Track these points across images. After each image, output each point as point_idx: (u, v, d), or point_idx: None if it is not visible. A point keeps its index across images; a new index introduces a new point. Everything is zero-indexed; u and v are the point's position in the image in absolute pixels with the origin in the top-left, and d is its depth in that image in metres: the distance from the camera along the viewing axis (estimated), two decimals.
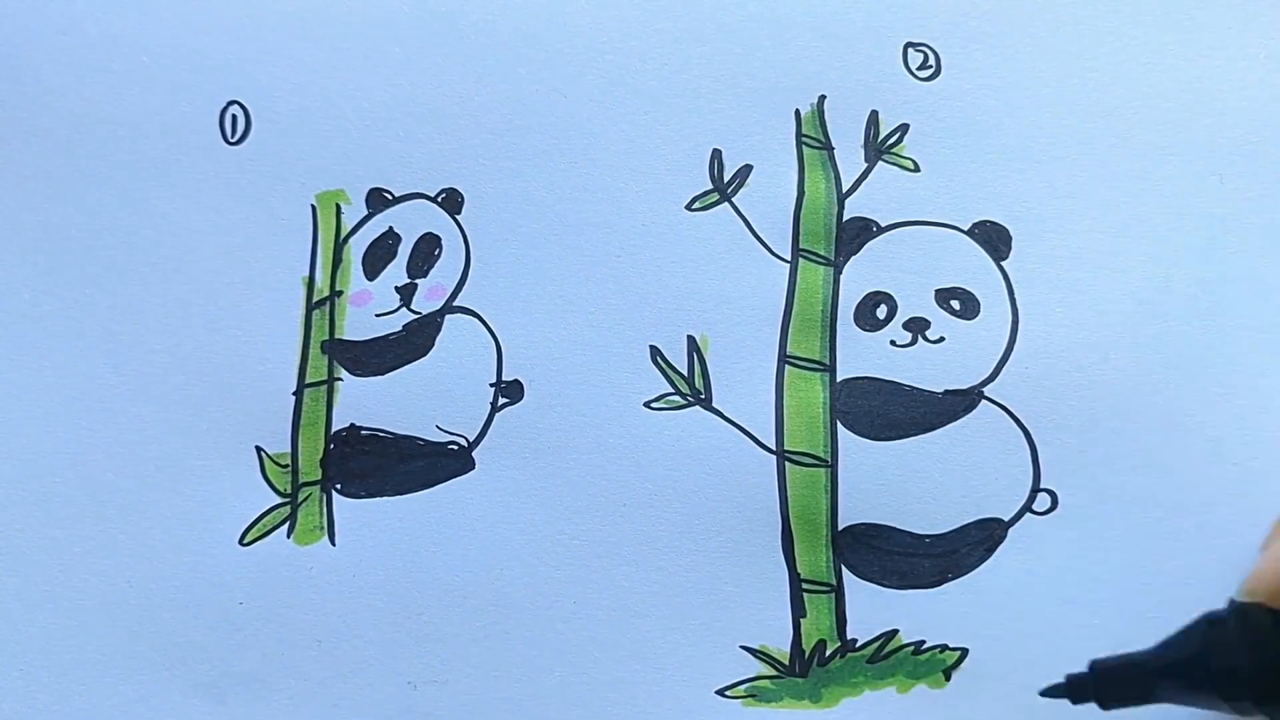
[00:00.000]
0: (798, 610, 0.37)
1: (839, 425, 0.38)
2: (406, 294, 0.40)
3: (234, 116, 0.41)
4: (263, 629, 0.37)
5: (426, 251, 0.40)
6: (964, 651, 0.36)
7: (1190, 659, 0.30)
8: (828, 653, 0.36)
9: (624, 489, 0.38)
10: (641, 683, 0.36)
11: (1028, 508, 0.37)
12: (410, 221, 0.40)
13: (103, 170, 0.41)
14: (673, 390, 0.38)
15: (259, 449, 0.39)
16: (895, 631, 0.36)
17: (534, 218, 0.40)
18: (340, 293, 0.40)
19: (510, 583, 0.37)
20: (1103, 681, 0.31)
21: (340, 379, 0.39)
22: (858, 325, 0.39)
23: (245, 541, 0.38)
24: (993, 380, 0.38)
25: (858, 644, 0.36)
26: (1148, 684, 0.31)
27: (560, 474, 0.38)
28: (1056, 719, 0.35)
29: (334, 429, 0.39)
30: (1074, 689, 0.31)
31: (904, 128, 0.40)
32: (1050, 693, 0.32)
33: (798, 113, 0.41)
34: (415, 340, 0.40)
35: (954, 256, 0.39)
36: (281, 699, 0.37)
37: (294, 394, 0.39)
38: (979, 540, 0.37)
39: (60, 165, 0.41)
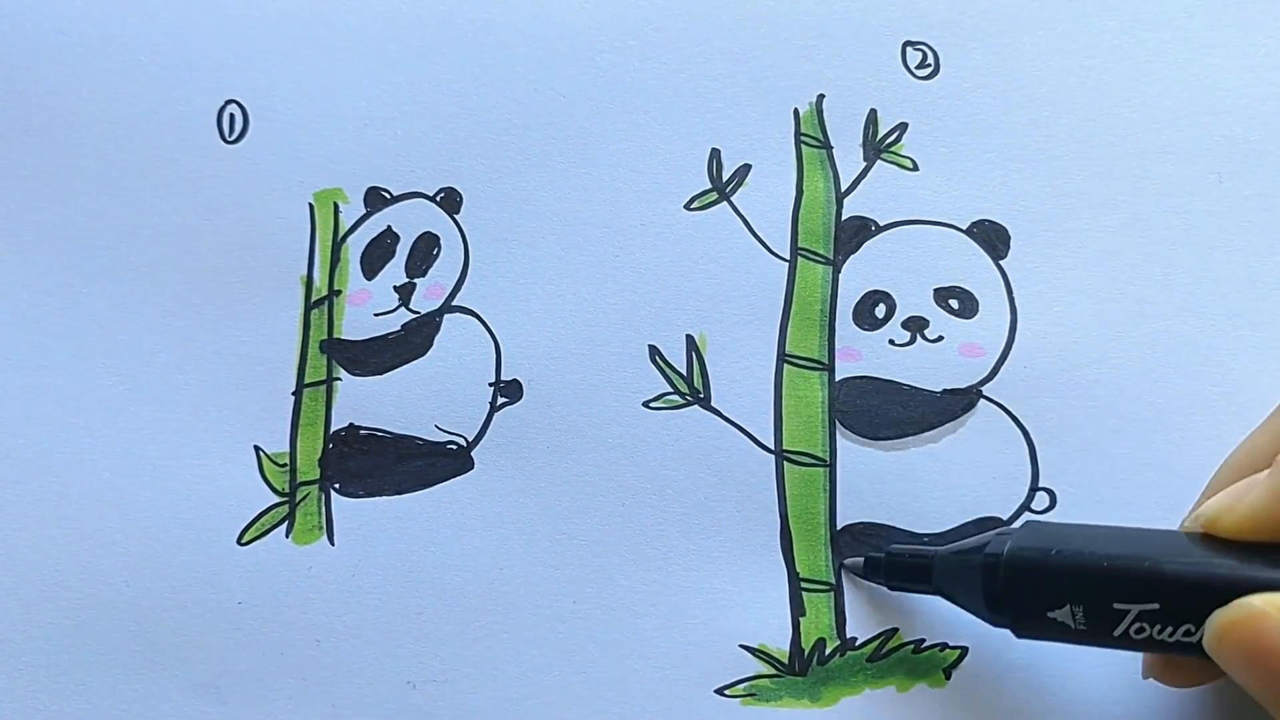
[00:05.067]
0: (797, 609, 0.37)
1: (838, 424, 0.38)
2: (405, 293, 0.40)
3: (232, 115, 0.41)
4: (261, 629, 0.37)
5: (425, 251, 0.40)
6: (964, 650, 0.36)
7: (966, 574, 0.32)
8: (827, 651, 0.36)
9: (623, 489, 0.38)
10: (641, 682, 0.36)
11: (1026, 507, 0.37)
12: (409, 221, 0.40)
13: (101, 170, 0.41)
14: (671, 389, 0.38)
15: (257, 448, 0.39)
16: (895, 630, 0.36)
17: (533, 217, 0.40)
18: (339, 292, 0.40)
19: (510, 582, 0.37)
20: (892, 564, 0.35)
21: (339, 378, 0.39)
22: (856, 324, 0.39)
23: (244, 541, 0.38)
24: (991, 379, 0.38)
25: (857, 643, 0.36)
26: (926, 577, 0.34)
27: (559, 473, 0.38)
28: (1058, 718, 0.35)
29: (333, 428, 0.39)
30: (869, 567, 0.36)
31: (903, 126, 0.40)
32: (849, 568, 0.36)
33: (796, 112, 0.41)
34: (414, 340, 0.40)
35: (953, 255, 0.39)
36: (280, 699, 0.36)
37: (293, 394, 0.39)
38: None
39: (59, 165, 0.41)
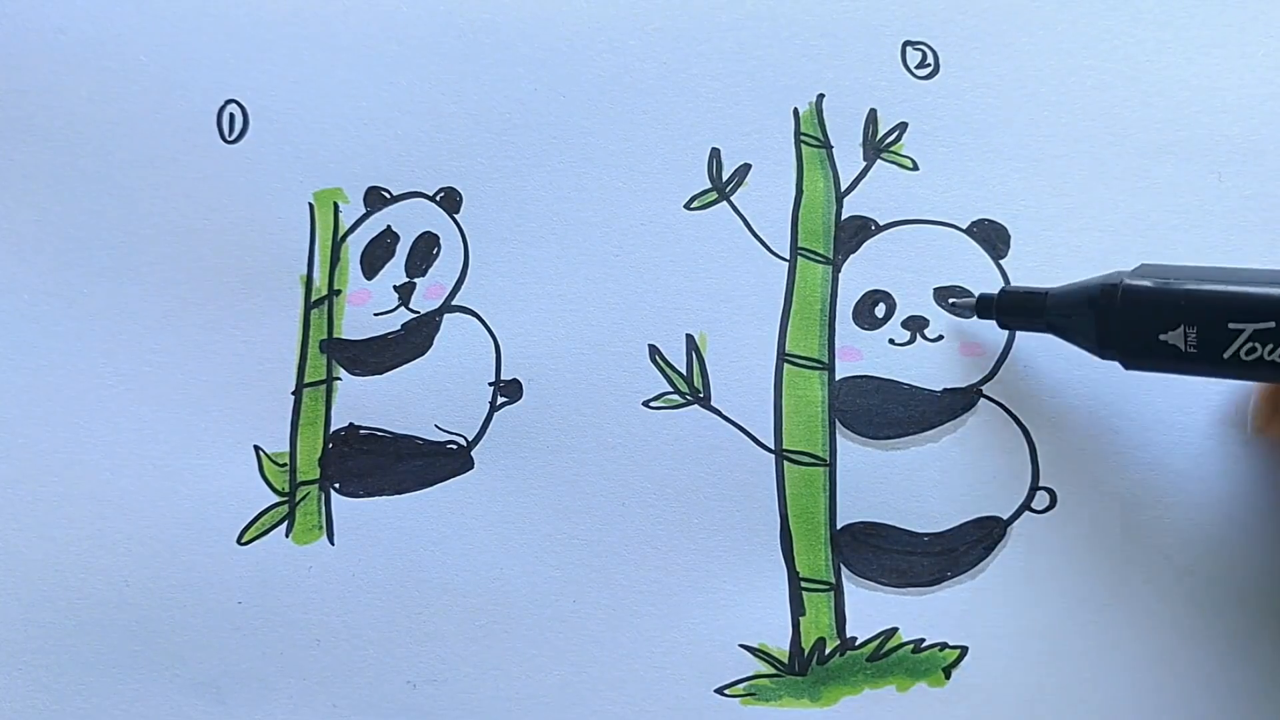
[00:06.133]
0: (797, 609, 0.37)
1: (838, 424, 0.38)
2: (405, 293, 0.40)
3: (231, 115, 0.41)
4: (262, 628, 0.37)
5: (425, 250, 0.40)
6: (964, 650, 0.36)
7: (1080, 307, 0.33)
8: (827, 651, 0.36)
9: (623, 488, 0.38)
10: (641, 682, 0.36)
11: (1027, 506, 0.37)
12: (408, 220, 0.40)
13: (102, 170, 0.41)
14: (671, 389, 0.38)
15: (257, 448, 0.39)
16: (895, 630, 0.36)
17: (532, 217, 0.40)
18: (339, 291, 0.40)
19: (509, 582, 0.37)
20: (1004, 301, 0.36)
21: (339, 378, 0.39)
22: (856, 323, 0.39)
23: (244, 541, 0.38)
24: (992, 378, 0.38)
25: (857, 642, 0.36)
26: (1040, 312, 0.35)
27: (559, 473, 0.38)
28: (1058, 717, 0.35)
29: (333, 428, 0.39)
30: (981, 306, 0.37)
31: (902, 126, 0.40)
32: (960, 306, 0.38)
33: (796, 111, 0.41)
34: (414, 339, 0.40)
35: (953, 255, 0.39)
36: (281, 698, 0.37)
37: (293, 393, 0.39)
38: (978, 539, 0.37)
39: (60, 165, 0.41)
